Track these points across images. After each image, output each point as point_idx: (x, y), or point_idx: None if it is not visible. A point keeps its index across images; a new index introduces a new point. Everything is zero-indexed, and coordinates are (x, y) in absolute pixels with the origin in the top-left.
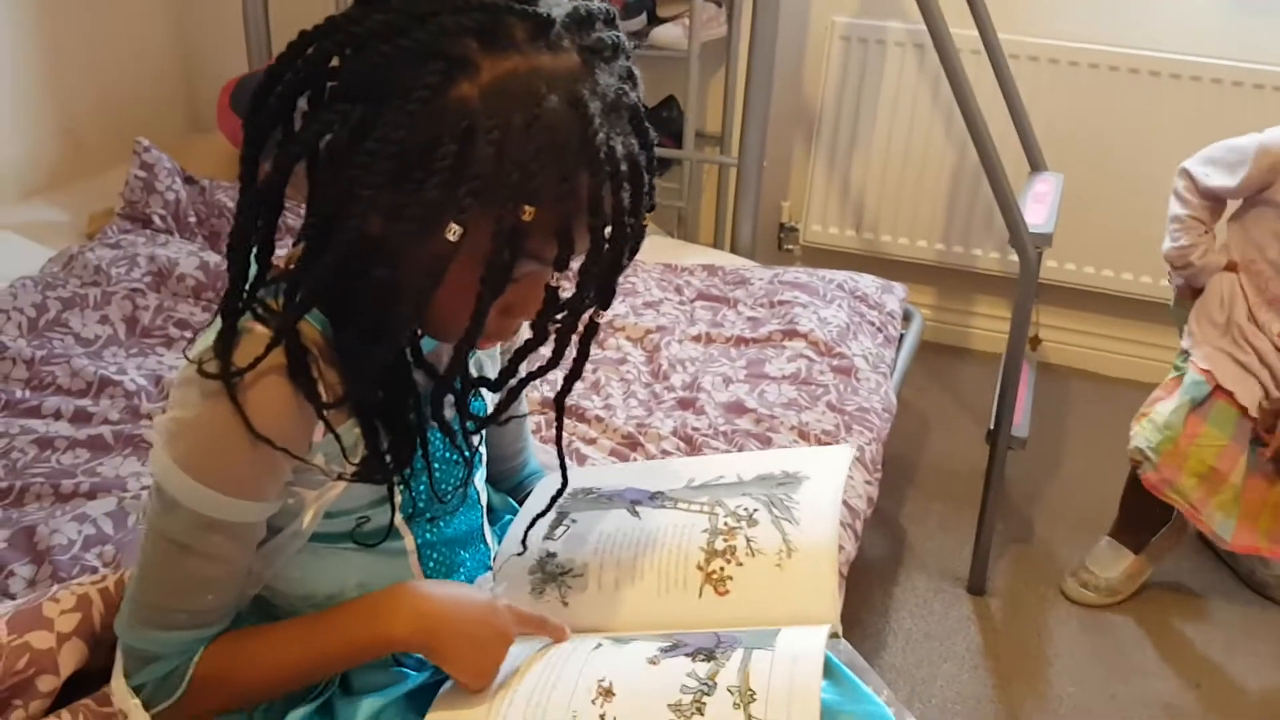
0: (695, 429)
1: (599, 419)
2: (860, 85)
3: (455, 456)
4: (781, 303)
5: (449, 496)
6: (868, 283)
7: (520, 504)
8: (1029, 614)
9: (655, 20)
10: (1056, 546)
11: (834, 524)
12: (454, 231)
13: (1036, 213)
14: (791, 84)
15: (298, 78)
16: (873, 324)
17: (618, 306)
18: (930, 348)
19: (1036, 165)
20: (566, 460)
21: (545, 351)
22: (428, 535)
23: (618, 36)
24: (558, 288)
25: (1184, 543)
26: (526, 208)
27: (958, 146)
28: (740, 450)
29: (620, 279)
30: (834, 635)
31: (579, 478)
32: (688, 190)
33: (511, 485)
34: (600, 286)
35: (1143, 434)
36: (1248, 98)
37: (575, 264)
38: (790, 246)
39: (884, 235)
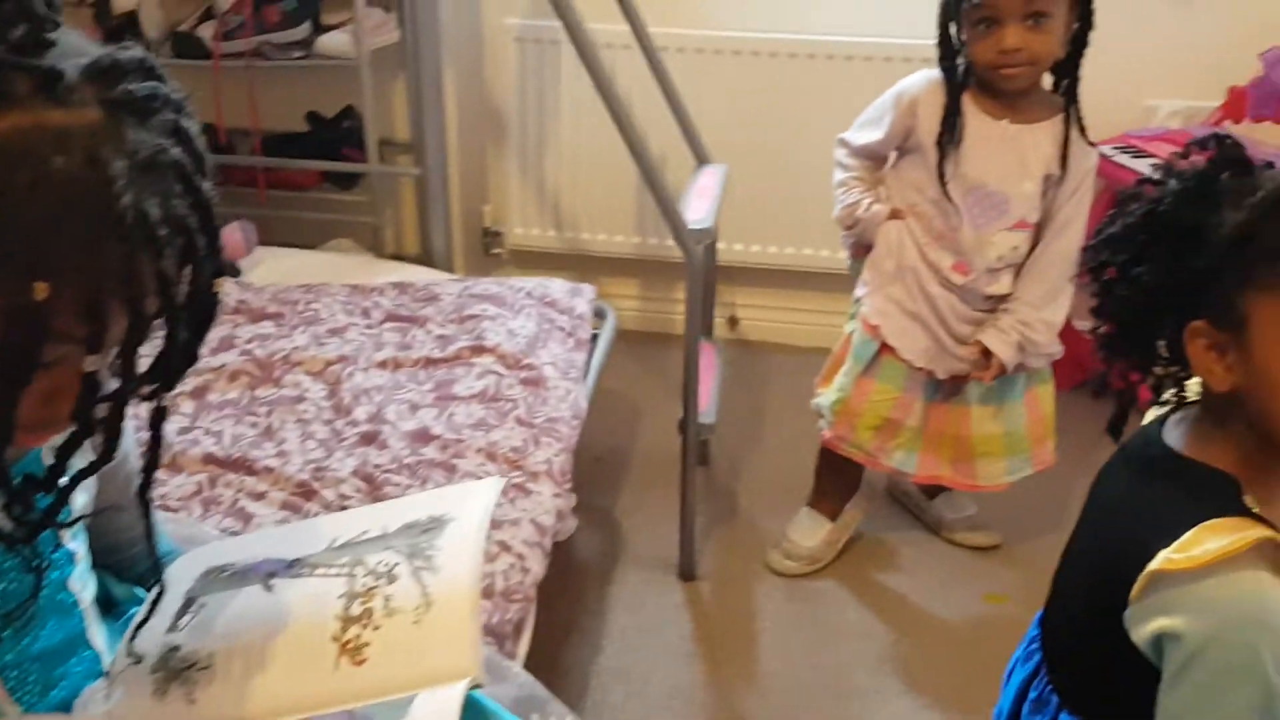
0: (377, 466)
1: (269, 469)
2: (541, 86)
3: (21, 564)
4: (471, 317)
5: (15, 612)
6: (557, 287)
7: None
8: (738, 592)
9: (320, 29)
10: (761, 520)
11: (475, 567)
12: None
13: (697, 209)
14: (474, 87)
15: None
16: (562, 329)
17: (297, 338)
18: (638, 336)
19: (702, 158)
20: (216, 530)
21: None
22: (7, 656)
23: (155, 88)
24: (95, 373)
25: (877, 504)
26: (39, 284)
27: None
28: (425, 484)
29: (199, 356)
30: (476, 686)
31: (209, 555)
32: (380, 203)
33: (140, 572)
34: (168, 365)
35: (822, 395)
36: (900, 71)
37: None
38: (497, 250)
39: (584, 233)
